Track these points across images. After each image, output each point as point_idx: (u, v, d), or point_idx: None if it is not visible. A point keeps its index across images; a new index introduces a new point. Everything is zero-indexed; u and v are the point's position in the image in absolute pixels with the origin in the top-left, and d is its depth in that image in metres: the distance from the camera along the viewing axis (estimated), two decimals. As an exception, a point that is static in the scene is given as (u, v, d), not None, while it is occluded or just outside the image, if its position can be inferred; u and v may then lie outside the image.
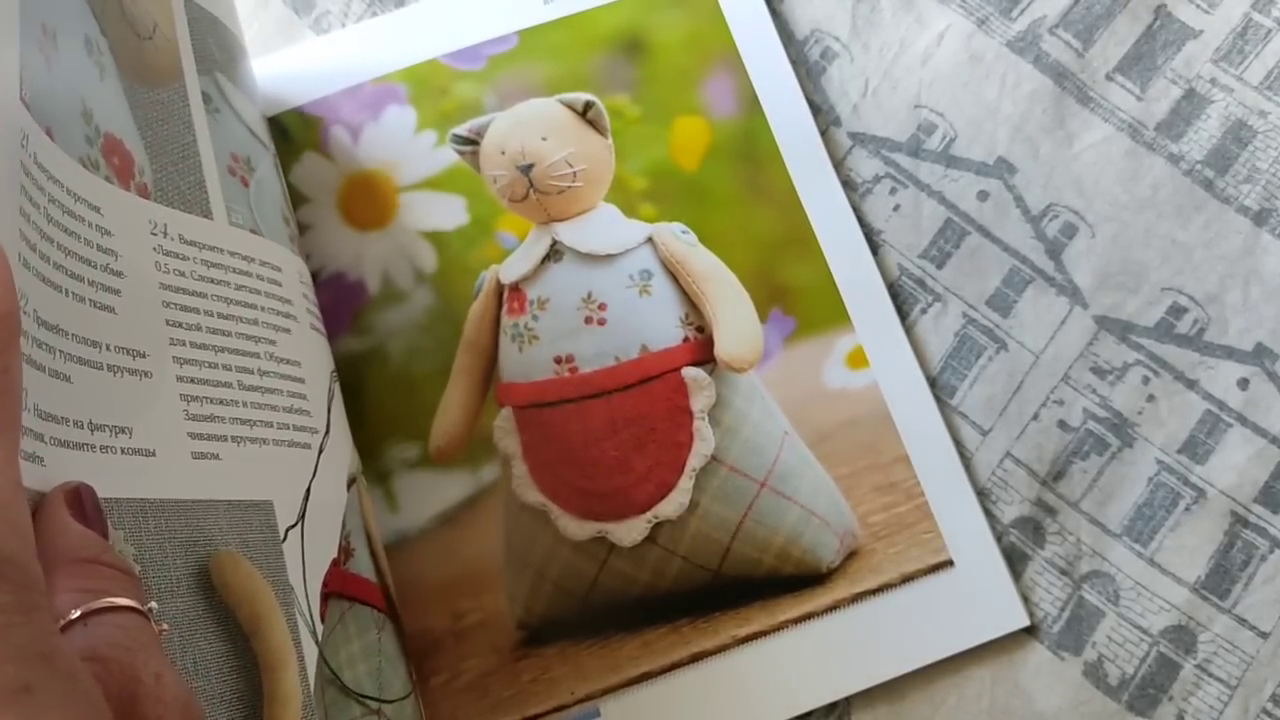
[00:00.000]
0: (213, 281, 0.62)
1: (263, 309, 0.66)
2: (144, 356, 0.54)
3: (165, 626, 0.47)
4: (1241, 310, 0.77)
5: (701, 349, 0.74)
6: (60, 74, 0.53)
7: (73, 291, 0.50)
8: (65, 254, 0.50)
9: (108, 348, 0.52)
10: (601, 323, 0.74)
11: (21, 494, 0.41)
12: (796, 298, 0.78)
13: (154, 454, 0.53)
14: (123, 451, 0.51)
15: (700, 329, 0.75)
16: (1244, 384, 0.75)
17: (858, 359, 0.77)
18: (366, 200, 0.81)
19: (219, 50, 0.73)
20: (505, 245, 0.79)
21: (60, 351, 0.48)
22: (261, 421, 0.62)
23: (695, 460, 0.73)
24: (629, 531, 0.73)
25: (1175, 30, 0.82)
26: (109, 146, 0.57)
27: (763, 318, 0.77)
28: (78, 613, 0.42)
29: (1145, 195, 0.79)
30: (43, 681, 0.37)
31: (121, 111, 0.59)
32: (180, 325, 0.58)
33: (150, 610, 0.45)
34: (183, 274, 0.59)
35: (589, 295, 0.74)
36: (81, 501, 0.46)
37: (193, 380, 0.57)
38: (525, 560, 0.75)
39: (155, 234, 0.58)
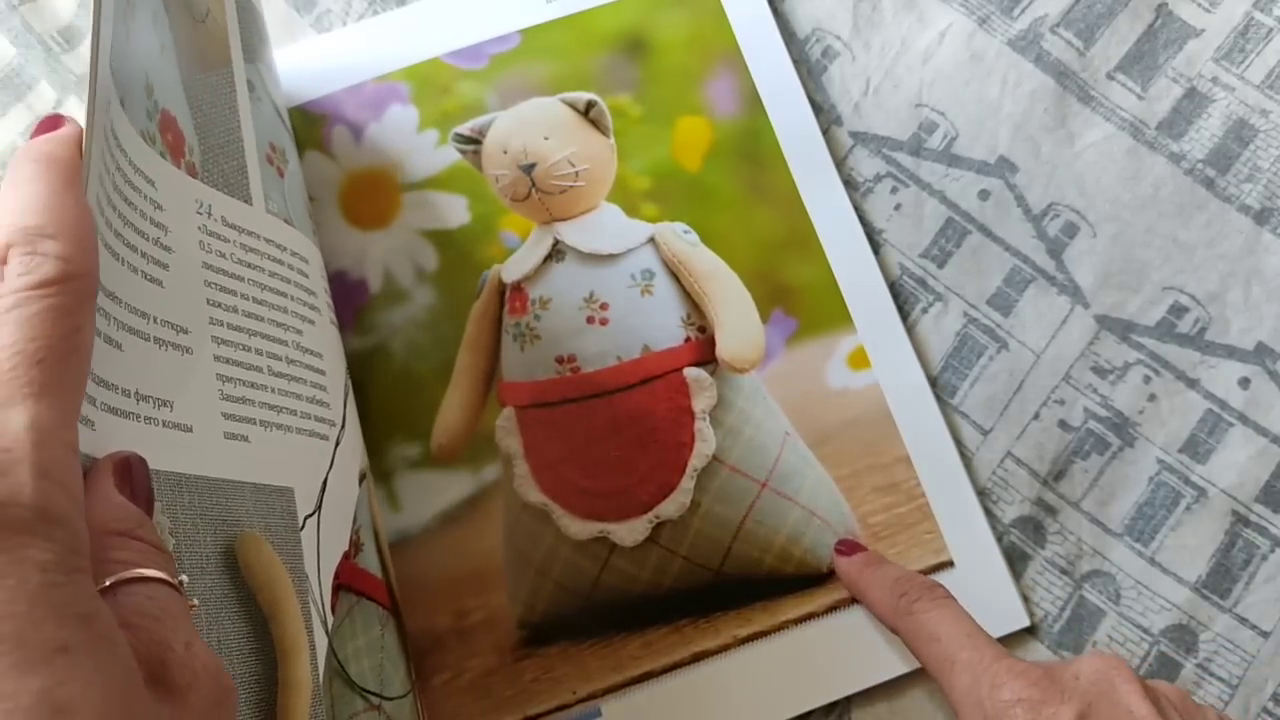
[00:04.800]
0: (249, 266, 0.64)
1: (292, 298, 0.68)
2: (186, 332, 0.56)
3: (195, 602, 0.49)
4: (1243, 309, 0.79)
5: (703, 349, 0.77)
6: (134, 46, 0.56)
7: (127, 260, 0.53)
8: (124, 223, 0.53)
9: (155, 320, 0.54)
10: (603, 322, 0.77)
11: (76, 458, 0.44)
12: (798, 298, 0.81)
13: (191, 430, 0.55)
14: (164, 424, 0.53)
15: (702, 329, 0.77)
16: (1245, 383, 0.78)
17: (859, 359, 0.80)
18: (369, 199, 0.84)
19: (259, 39, 0.76)
20: (507, 245, 0.81)
21: (114, 318, 0.51)
22: (287, 409, 0.64)
23: (697, 460, 0.76)
24: (630, 531, 0.76)
25: (1176, 29, 0.85)
26: (165, 123, 0.59)
27: (764, 318, 0.79)
28: (109, 582, 0.44)
29: (1146, 194, 0.82)
30: (80, 643, 0.39)
31: (177, 90, 0.62)
32: (219, 306, 0.60)
33: (181, 584, 0.47)
34: (223, 255, 0.62)
35: (591, 295, 0.77)
36: (130, 471, 0.48)
37: (228, 361, 0.60)
38: (527, 560, 0.77)
39: (200, 214, 0.61)
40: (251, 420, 0.61)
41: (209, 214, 0.62)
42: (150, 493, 0.49)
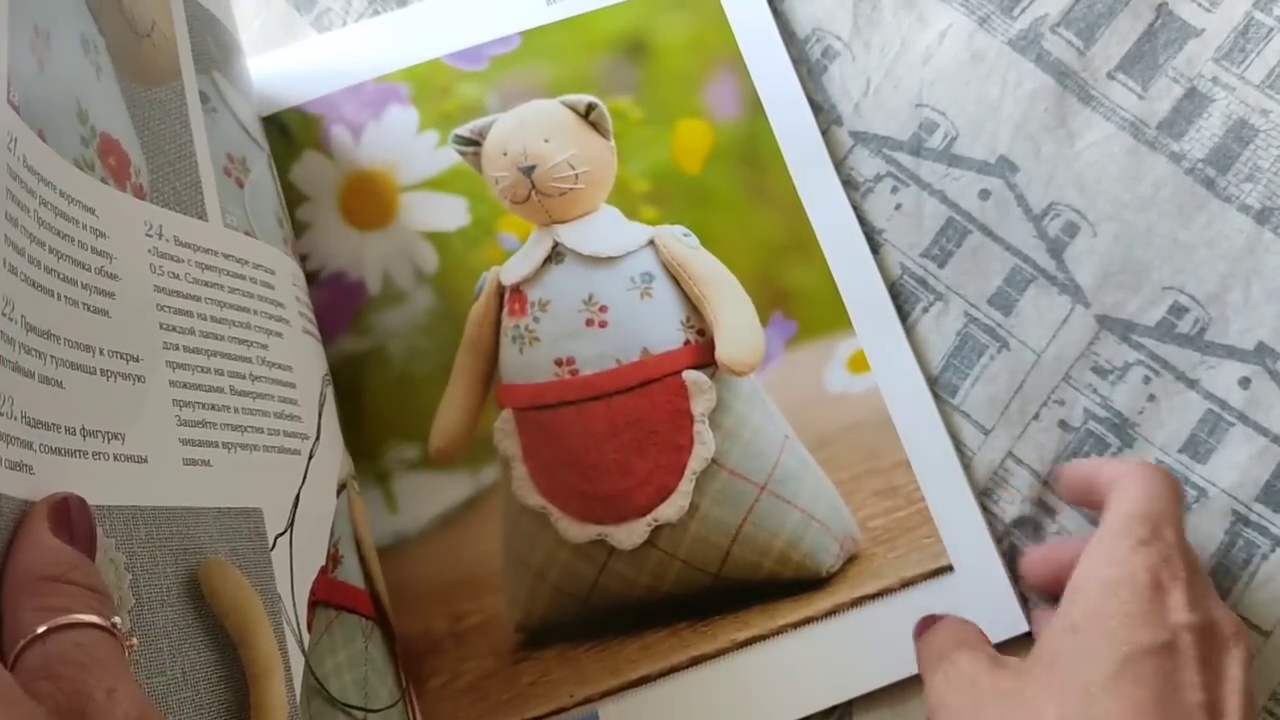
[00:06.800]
0: (207, 284, 0.62)
1: (255, 312, 0.65)
2: (137, 360, 0.54)
3: (134, 642, 0.48)
4: (1243, 309, 0.76)
5: (702, 352, 0.74)
6: (54, 75, 0.53)
7: (65, 295, 0.50)
8: (58, 257, 0.50)
9: (101, 352, 0.52)
10: (602, 325, 0.74)
11: None
12: (798, 301, 0.78)
13: (146, 460, 0.52)
14: (114, 458, 0.51)
15: (701, 332, 0.74)
16: (1245, 383, 0.75)
17: (859, 363, 0.77)
18: (367, 200, 0.81)
19: (217, 49, 0.73)
20: (506, 247, 0.79)
21: (51, 357, 0.48)
22: (252, 427, 0.61)
23: (695, 463, 0.73)
24: (629, 534, 0.73)
25: (1177, 29, 0.82)
26: (105, 147, 0.56)
27: (764, 321, 0.77)
28: (43, 629, 0.43)
29: (1147, 194, 0.79)
30: None
31: (118, 111, 0.59)
32: (174, 329, 0.58)
33: (115, 626, 0.45)
34: (177, 276, 0.59)
35: (590, 297, 0.74)
36: (68, 513, 0.46)
37: (185, 385, 0.57)
38: (525, 563, 0.74)
39: (150, 235, 0.58)
40: (213, 443, 0.58)
41: (160, 235, 0.59)
42: (91, 532, 0.47)
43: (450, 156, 0.80)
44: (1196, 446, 0.74)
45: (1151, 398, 0.75)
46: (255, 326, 0.65)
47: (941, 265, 0.79)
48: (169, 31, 0.67)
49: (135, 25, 0.63)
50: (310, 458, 0.67)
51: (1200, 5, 0.82)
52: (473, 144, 0.77)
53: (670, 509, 0.73)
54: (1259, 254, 0.77)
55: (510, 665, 0.73)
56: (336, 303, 0.78)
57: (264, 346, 0.65)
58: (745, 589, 0.73)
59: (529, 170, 0.74)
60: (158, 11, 0.66)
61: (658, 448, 0.73)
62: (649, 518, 0.73)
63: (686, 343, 0.74)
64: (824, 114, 0.83)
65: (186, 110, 0.66)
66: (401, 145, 0.82)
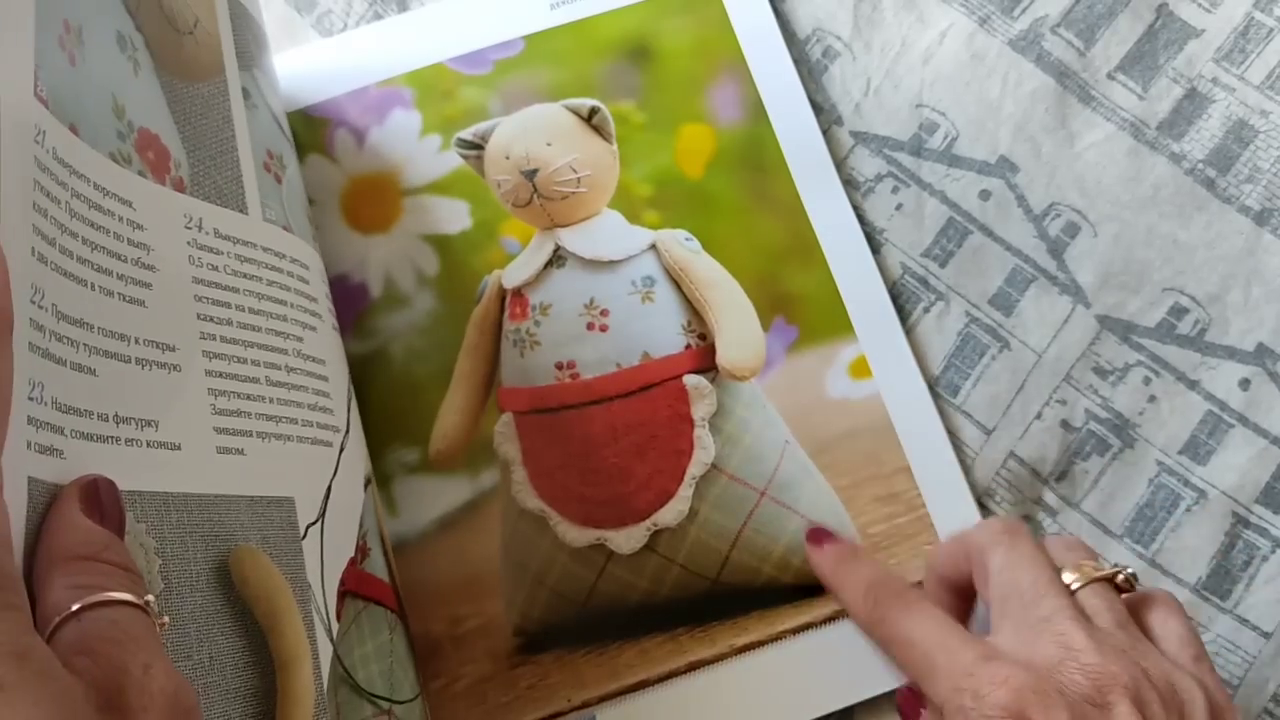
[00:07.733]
0: (245, 276, 0.62)
1: (292, 305, 0.66)
2: (173, 350, 0.55)
3: (165, 620, 0.48)
4: (1243, 310, 0.77)
5: (703, 357, 0.74)
6: (87, 71, 0.54)
7: (99, 285, 0.51)
8: (91, 248, 0.51)
9: (136, 341, 0.52)
10: (603, 329, 0.74)
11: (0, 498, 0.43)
12: (800, 306, 0.78)
13: (179, 447, 0.53)
14: (148, 444, 0.51)
15: (702, 336, 0.75)
16: (1245, 384, 0.75)
17: (860, 369, 0.77)
18: (370, 203, 0.81)
19: (255, 46, 0.74)
20: (508, 250, 0.79)
21: (84, 345, 0.49)
22: (286, 418, 0.62)
23: (695, 468, 0.73)
24: (628, 539, 0.73)
25: (1177, 29, 0.82)
26: (143, 141, 0.57)
27: (765, 326, 0.77)
28: (77, 606, 0.43)
29: (1147, 195, 0.79)
30: (15, 680, 0.38)
31: (158, 106, 0.60)
32: (211, 319, 0.58)
33: (148, 604, 0.46)
34: (216, 268, 0.60)
35: (591, 301, 0.74)
36: (98, 495, 0.47)
37: (221, 375, 0.58)
38: (524, 566, 0.75)
39: (190, 228, 0.59)
40: (247, 433, 0.59)
41: (199, 227, 0.60)
42: (121, 514, 0.48)
43: (453, 160, 0.80)
44: (1197, 448, 0.75)
45: (1152, 399, 0.76)
46: (291, 319, 0.66)
47: (943, 265, 0.79)
48: (212, 28, 0.68)
49: (176, 22, 0.64)
50: (341, 450, 0.67)
51: (1200, 6, 0.82)
52: (475, 147, 0.77)
53: (669, 514, 0.73)
54: (1259, 255, 0.77)
55: (508, 669, 0.73)
56: (339, 306, 0.78)
57: (299, 339, 0.66)
58: (744, 594, 0.73)
59: (531, 174, 0.74)
60: (200, 9, 0.67)
61: (658, 452, 0.73)
62: (648, 522, 0.73)
63: (687, 347, 0.74)
64: (824, 114, 0.83)
65: (229, 106, 0.67)
66: (405, 149, 0.82)
